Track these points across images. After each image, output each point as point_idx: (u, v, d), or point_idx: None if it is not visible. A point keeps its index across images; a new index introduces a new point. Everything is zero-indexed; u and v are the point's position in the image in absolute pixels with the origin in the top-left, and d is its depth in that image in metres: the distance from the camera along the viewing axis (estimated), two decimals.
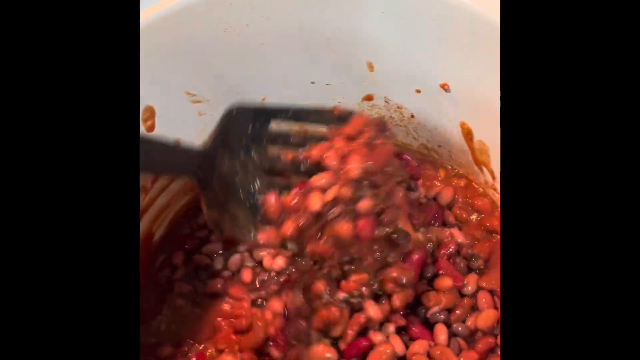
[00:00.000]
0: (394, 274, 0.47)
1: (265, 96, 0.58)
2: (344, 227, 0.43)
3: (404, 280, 0.47)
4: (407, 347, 0.48)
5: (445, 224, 0.55)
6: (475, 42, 0.46)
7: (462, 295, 0.51)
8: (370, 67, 0.54)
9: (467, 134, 0.54)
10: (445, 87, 0.52)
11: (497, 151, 0.53)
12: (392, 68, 0.53)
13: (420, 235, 0.52)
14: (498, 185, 0.55)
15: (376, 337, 0.48)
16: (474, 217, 0.56)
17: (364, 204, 0.43)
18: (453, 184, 0.59)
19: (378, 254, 0.46)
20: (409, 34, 0.49)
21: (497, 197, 0.56)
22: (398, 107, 0.58)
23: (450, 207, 0.57)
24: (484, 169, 0.55)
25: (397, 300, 0.48)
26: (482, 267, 0.52)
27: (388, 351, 0.46)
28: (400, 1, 0.46)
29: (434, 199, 0.57)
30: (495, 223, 0.55)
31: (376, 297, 0.49)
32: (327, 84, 0.58)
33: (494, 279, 0.51)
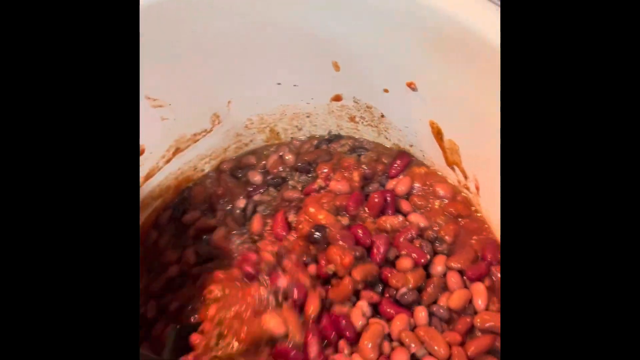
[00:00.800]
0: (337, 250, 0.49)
1: (230, 99, 0.57)
2: None
3: (357, 253, 0.49)
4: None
5: (401, 212, 0.54)
6: (438, 40, 0.44)
7: (431, 277, 0.50)
8: (336, 66, 0.53)
9: (437, 133, 0.53)
10: (412, 86, 0.50)
11: (467, 150, 0.52)
12: (358, 67, 0.52)
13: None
14: (470, 185, 0.53)
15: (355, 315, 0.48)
16: (437, 203, 0.55)
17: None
18: (415, 172, 0.58)
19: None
20: (371, 32, 0.47)
21: (470, 196, 0.55)
22: (368, 107, 0.57)
23: (408, 196, 0.56)
24: (456, 168, 0.54)
25: (357, 275, 0.48)
26: (448, 248, 0.52)
27: (381, 329, 0.47)
28: (363, 0, 0.45)
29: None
30: (460, 207, 0.54)
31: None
32: (294, 85, 0.57)
33: (462, 259, 0.50)
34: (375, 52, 0.50)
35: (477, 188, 0.53)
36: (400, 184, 0.56)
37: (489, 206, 0.53)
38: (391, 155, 0.59)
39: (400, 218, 0.53)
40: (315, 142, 0.62)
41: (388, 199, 0.54)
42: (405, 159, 0.58)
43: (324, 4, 0.47)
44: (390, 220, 0.53)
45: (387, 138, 0.60)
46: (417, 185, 0.56)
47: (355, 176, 0.56)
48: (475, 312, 0.48)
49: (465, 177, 0.54)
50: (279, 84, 0.56)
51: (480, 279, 0.49)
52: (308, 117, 0.61)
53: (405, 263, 0.50)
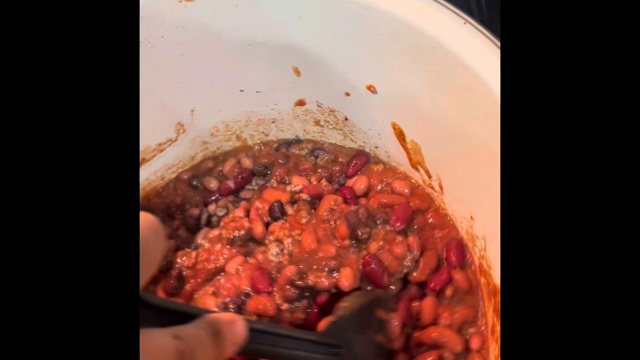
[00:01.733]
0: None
1: (193, 107, 0.57)
2: None
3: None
4: None
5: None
6: (392, 42, 0.45)
7: None
8: (297, 72, 0.53)
9: (400, 134, 0.54)
10: (371, 89, 0.51)
11: (429, 150, 0.52)
12: (318, 72, 0.52)
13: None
14: (435, 184, 0.54)
15: None
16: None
17: None
18: (372, 170, 0.58)
19: None
20: (327, 37, 0.48)
21: (434, 195, 0.55)
22: (331, 111, 0.58)
23: (367, 193, 0.56)
24: (420, 168, 0.55)
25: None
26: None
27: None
28: (314, 4, 0.45)
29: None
30: (418, 202, 0.55)
31: None
32: (257, 92, 0.57)
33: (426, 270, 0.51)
34: (333, 57, 0.50)
35: (441, 187, 0.53)
36: (358, 182, 0.56)
37: (454, 204, 0.53)
38: (349, 154, 0.60)
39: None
40: (275, 145, 0.62)
41: (347, 197, 0.54)
42: (362, 158, 0.59)
43: (282, 11, 0.47)
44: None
45: (352, 140, 0.60)
46: (374, 182, 0.57)
47: (314, 180, 0.56)
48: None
49: (430, 177, 0.54)
50: (241, 90, 0.56)
51: (443, 289, 0.50)
52: (274, 122, 0.61)
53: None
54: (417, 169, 0.55)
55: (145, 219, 0.27)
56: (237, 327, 0.32)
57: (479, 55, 0.40)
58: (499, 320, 0.46)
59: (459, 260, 0.52)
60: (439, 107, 0.46)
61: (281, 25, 0.48)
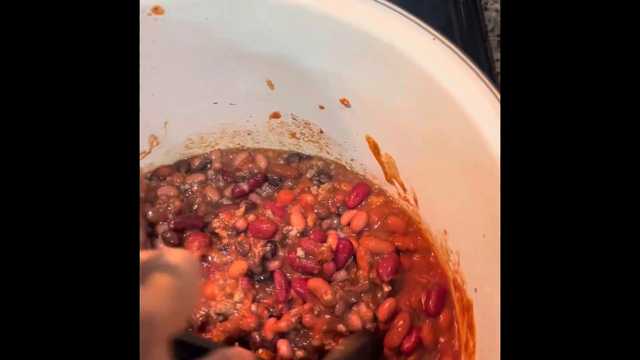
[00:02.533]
0: None
1: (167, 120, 0.56)
2: None
3: None
4: None
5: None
6: (364, 56, 0.45)
7: None
8: (270, 84, 0.53)
9: (374, 148, 0.53)
10: (345, 102, 0.51)
11: (403, 163, 0.52)
12: (291, 85, 0.52)
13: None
14: (410, 197, 0.54)
15: None
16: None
17: None
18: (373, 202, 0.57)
19: None
20: (300, 50, 0.48)
21: (410, 209, 0.55)
22: (306, 123, 0.57)
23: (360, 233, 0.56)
24: (395, 182, 0.54)
25: None
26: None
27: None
28: (287, 16, 0.45)
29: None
30: (408, 241, 0.54)
31: None
32: (230, 104, 0.56)
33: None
34: (307, 70, 0.50)
35: (416, 200, 0.53)
36: (357, 219, 0.55)
37: (428, 218, 0.53)
38: (352, 182, 0.58)
39: None
40: (285, 155, 0.61)
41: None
42: (364, 189, 0.57)
43: (255, 24, 0.47)
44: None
45: (328, 153, 0.60)
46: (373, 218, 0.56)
47: (310, 221, 0.55)
48: None
49: (404, 190, 0.54)
50: (215, 103, 0.56)
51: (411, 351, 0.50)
52: (249, 134, 0.60)
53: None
54: (392, 183, 0.55)
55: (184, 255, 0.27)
56: None
57: (448, 71, 0.40)
58: (473, 337, 0.46)
59: (436, 310, 0.51)
60: (410, 121, 0.46)
61: (253, 39, 0.48)
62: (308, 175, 0.59)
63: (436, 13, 0.75)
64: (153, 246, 0.55)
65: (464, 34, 0.73)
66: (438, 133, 0.44)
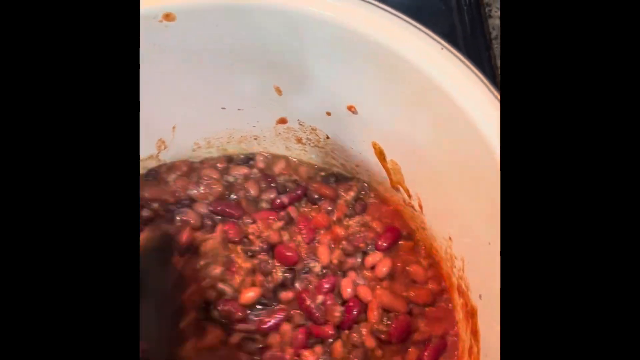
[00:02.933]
0: None
1: (175, 124, 0.57)
2: None
3: None
4: None
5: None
6: (372, 65, 0.45)
7: None
8: (278, 91, 0.53)
9: (380, 154, 0.54)
10: (352, 110, 0.51)
11: (408, 170, 0.53)
12: (299, 91, 0.53)
13: None
14: (414, 204, 0.54)
15: None
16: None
17: None
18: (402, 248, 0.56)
19: None
20: (309, 57, 0.48)
21: (415, 215, 0.56)
22: (313, 129, 0.58)
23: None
24: (400, 188, 0.55)
25: None
26: None
27: None
28: (297, 24, 0.46)
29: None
30: (425, 294, 0.53)
31: None
32: (238, 109, 0.57)
33: None
34: (315, 78, 0.50)
35: (421, 207, 0.54)
36: (382, 265, 0.54)
37: (433, 224, 0.54)
38: (385, 217, 0.57)
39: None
40: (322, 173, 0.61)
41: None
42: (395, 232, 0.56)
43: (264, 32, 0.47)
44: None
45: (334, 158, 0.60)
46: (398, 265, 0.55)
47: (335, 257, 0.55)
48: None
49: (409, 196, 0.55)
50: (223, 108, 0.56)
51: None
52: (256, 139, 0.61)
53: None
54: (397, 189, 0.56)
55: None
56: None
57: (455, 80, 0.40)
58: (477, 343, 0.47)
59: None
60: (417, 128, 0.47)
61: (263, 45, 0.48)
62: (348, 198, 0.59)
63: (440, 20, 0.76)
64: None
65: (468, 41, 0.74)
66: (444, 141, 0.44)
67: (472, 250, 0.47)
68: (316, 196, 0.59)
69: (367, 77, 0.47)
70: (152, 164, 0.60)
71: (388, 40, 0.43)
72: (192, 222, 0.56)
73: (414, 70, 0.42)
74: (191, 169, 0.60)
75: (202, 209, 0.57)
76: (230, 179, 0.60)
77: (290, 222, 0.57)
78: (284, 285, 0.54)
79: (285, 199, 0.58)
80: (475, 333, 0.47)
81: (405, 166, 0.52)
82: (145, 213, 0.56)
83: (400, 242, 0.56)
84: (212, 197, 0.58)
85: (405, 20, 0.44)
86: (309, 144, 0.60)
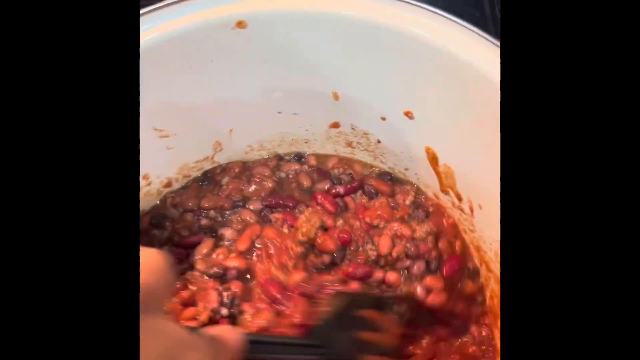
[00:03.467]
0: None
1: (232, 128, 0.59)
2: None
3: None
4: None
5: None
6: (433, 71, 0.47)
7: None
8: (336, 96, 0.55)
9: (433, 159, 0.56)
10: (409, 115, 0.53)
11: (461, 174, 0.54)
12: (356, 98, 0.55)
13: None
14: (465, 206, 0.56)
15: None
16: None
17: None
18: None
19: None
20: (367, 63, 0.50)
21: (456, 212, 0.57)
22: (365, 134, 0.60)
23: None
24: (450, 192, 0.57)
25: None
26: None
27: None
28: (361, 32, 0.48)
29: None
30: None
31: None
32: (294, 113, 0.59)
33: None
34: (372, 83, 0.52)
35: (471, 209, 0.55)
36: (437, 296, 0.53)
37: (484, 226, 0.55)
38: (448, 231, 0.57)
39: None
40: (377, 170, 0.63)
41: None
42: (459, 261, 0.56)
43: (326, 38, 0.49)
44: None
45: (382, 162, 0.62)
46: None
47: (395, 251, 0.54)
48: None
49: (460, 200, 0.56)
50: (279, 112, 0.58)
51: None
52: (306, 142, 0.63)
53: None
54: (446, 193, 0.57)
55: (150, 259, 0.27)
56: (235, 339, 0.34)
57: None
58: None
59: None
60: (475, 134, 0.48)
61: (325, 53, 0.50)
62: (407, 203, 0.59)
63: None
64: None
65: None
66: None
67: None
68: (373, 191, 0.60)
69: (427, 83, 0.48)
70: (207, 165, 0.62)
71: (452, 47, 0.45)
72: (249, 219, 0.58)
73: (478, 77, 0.44)
74: (243, 170, 0.63)
75: (257, 205, 0.59)
76: (282, 174, 0.62)
77: (345, 209, 0.58)
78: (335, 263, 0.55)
79: (340, 189, 0.60)
80: None
81: (460, 170, 0.54)
82: (203, 222, 0.58)
83: (465, 281, 0.56)
84: (265, 193, 0.60)
85: (468, 28, 0.46)
86: (359, 147, 0.62)
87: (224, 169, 0.62)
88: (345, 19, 0.48)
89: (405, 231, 0.55)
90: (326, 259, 0.55)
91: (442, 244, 0.56)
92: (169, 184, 0.60)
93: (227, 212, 0.59)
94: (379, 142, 0.60)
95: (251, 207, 0.59)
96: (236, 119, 0.58)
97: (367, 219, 0.56)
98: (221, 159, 0.62)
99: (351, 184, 0.60)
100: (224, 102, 0.55)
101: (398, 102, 0.53)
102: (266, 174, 0.61)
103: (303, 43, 0.50)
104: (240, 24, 0.47)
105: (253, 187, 0.61)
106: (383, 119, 0.56)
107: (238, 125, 0.59)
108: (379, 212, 0.56)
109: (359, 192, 0.60)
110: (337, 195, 0.60)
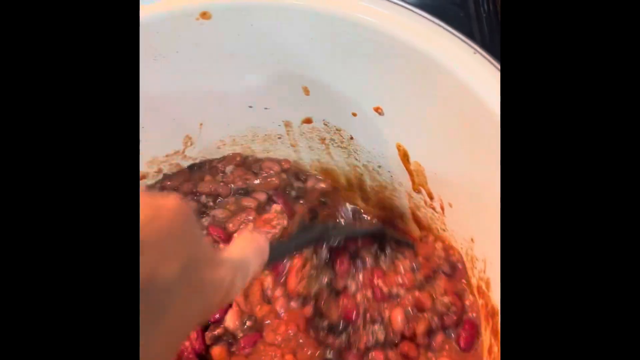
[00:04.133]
0: None
1: (202, 121, 0.58)
2: None
3: None
4: None
5: None
6: (402, 67, 0.46)
7: None
8: (306, 91, 0.55)
9: (404, 156, 0.55)
10: (378, 111, 0.52)
11: (432, 172, 0.53)
12: (327, 93, 0.54)
13: None
14: (436, 205, 0.55)
15: None
16: None
17: None
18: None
19: None
20: (339, 59, 0.49)
21: (436, 216, 0.57)
22: (337, 130, 0.59)
23: None
24: (422, 190, 0.56)
25: None
26: None
27: None
28: (328, 26, 0.47)
29: None
30: None
31: None
32: (265, 108, 0.58)
33: None
34: (343, 79, 0.51)
35: (442, 208, 0.55)
36: None
37: (454, 226, 0.55)
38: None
39: None
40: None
41: None
42: (474, 327, 0.51)
43: (296, 32, 0.49)
44: None
45: (356, 159, 0.61)
46: None
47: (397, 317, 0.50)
48: None
49: (431, 198, 0.55)
50: (250, 107, 0.57)
51: None
52: (279, 138, 0.62)
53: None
54: (419, 191, 0.57)
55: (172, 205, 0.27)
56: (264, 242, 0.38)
57: (487, 84, 0.41)
58: (497, 342, 0.47)
59: None
60: (444, 131, 0.48)
61: (294, 46, 0.49)
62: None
63: (458, 28, 0.76)
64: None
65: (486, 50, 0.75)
66: (473, 144, 0.45)
67: (496, 251, 0.48)
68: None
69: (395, 78, 0.48)
70: (178, 159, 0.61)
71: (419, 43, 0.44)
72: (252, 205, 0.59)
73: (446, 73, 0.43)
74: (254, 162, 0.64)
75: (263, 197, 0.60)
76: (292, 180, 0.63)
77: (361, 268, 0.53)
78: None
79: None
80: (495, 333, 0.48)
81: (429, 168, 0.53)
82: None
83: (481, 340, 0.51)
84: (270, 187, 0.61)
85: (436, 24, 0.45)
86: (332, 144, 0.61)
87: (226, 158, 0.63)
88: (312, 11, 0.47)
89: (426, 301, 0.49)
90: (325, 323, 0.51)
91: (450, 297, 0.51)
92: (142, 176, 0.59)
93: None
94: (351, 138, 0.59)
95: (257, 197, 0.60)
96: (206, 113, 0.57)
97: (380, 285, 0.51)
98: (192, 153, 0.61)
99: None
100: (192, 95, 0.54)
101: (368, 97, 0.52)
102: (275, 169, 0.63)
103: (270, 35, 0.49)
104: (205, 15, 0.47)
105: (258, 180, 0.62)
106: (354, 114, 0.55)
107: (208, 119, 0.58)
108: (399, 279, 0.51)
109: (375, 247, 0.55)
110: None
